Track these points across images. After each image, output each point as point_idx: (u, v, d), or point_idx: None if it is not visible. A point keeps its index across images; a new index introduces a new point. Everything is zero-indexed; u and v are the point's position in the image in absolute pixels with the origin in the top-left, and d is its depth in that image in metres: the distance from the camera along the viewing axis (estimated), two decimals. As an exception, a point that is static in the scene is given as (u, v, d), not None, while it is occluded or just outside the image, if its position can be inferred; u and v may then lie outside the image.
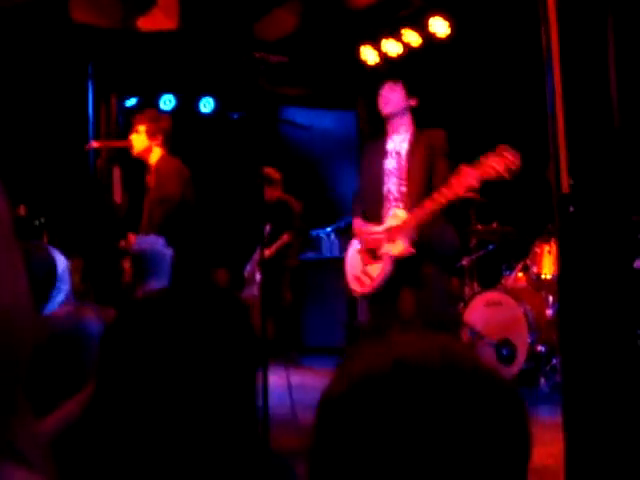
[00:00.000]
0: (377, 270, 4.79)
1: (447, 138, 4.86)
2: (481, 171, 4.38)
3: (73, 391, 1.28)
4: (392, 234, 4.71)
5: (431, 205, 4.54)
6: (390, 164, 4.87)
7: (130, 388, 1.09)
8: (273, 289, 7.69)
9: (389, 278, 4.75)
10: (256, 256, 7.83)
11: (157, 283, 3.35)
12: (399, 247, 4.68)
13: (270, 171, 7.93)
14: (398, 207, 4.77)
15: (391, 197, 4.84)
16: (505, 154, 4.36)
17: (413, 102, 4.93)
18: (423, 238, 4.67)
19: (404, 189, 4.79)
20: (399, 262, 4.71)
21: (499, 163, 4.35)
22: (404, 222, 4.67)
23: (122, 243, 5.54)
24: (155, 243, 3.88)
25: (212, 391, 1.09)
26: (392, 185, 4.84)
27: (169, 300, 1.18)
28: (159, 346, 1.10)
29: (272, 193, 7.97)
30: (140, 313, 1.17)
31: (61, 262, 2.62)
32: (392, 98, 4.92)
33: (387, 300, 4.79)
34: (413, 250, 4.65)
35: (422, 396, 0.79)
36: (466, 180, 4.42)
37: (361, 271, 4.89)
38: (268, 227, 7.72)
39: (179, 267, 5.34)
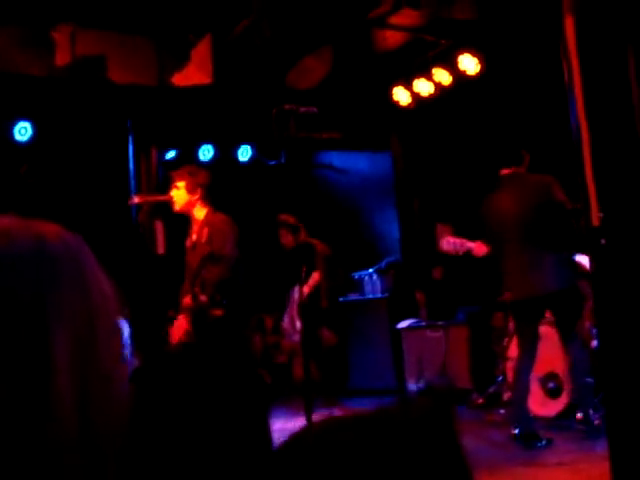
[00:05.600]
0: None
1: None
2: None
3: None
4: None
5: None
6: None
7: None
8: (312, 333, 7.71)
9: None
10: (290, 308, 7.86)
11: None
12: None
13: (286, 217, 7.93)
14: None
15: None
16: None
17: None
18: None
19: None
20: None
21: None
22: None
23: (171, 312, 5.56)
24: None
25: (221, 433, 1.16)
26: None
27: (187, 355, 1.27)
28: (174, 396, 1.18)
29: (289, 238, 7.94)
30: (160, 366, 1.26)
31: (125, 329, 2.68)
32: None
33: None
34: None
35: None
36: None
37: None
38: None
39: (230, 318, 5.43)
